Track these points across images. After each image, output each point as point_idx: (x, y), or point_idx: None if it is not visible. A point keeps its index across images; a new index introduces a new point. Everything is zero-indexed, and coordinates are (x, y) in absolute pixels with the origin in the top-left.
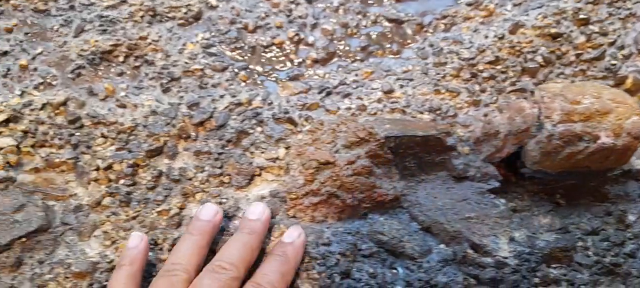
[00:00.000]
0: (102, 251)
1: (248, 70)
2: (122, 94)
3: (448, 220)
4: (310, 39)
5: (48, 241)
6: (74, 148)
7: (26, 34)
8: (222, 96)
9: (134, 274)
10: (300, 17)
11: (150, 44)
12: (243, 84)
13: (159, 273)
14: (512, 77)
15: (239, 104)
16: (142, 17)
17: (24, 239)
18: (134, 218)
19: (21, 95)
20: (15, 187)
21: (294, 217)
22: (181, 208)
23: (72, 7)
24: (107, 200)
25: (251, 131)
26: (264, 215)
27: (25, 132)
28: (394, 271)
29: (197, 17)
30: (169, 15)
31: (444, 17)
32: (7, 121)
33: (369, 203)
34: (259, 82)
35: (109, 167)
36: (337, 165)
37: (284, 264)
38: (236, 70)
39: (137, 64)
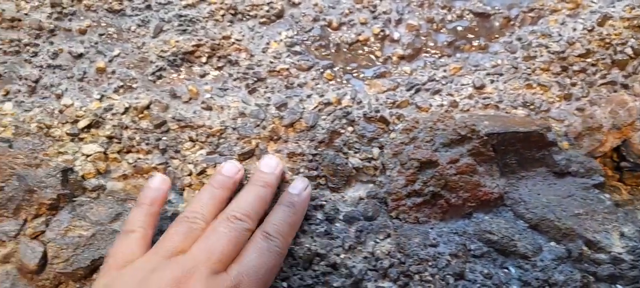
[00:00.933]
0: None
1: (333, 68)
2: (207, 95)
3: (557, 217)
4: (396, 35)
5: None
6: (163, 153)
7: (101, 35)
8: (309, 96)
9: (153, 214)
10: (384, 12)
11: (233, 43)
12: (329, 83)
13: (178, 218)
14: (603, 70)
15: (328, 104)
16: (223, 15)
17: None
18: None
19: (101, 99)
20: (107, 195)
21: (397, 218)
22: None
23: (148, 7)
24: None
25: (342, 131)
26: (278, 168)
27: (110, 138)
28: (506, 271)
29: (279, 15)
30: (251, 13)
31: (531, 10)
32: (89, 127)
33: (473, 202)
34: (345, 80)
35: (202, 172)
36: (440, 164)
37: (292, 215)
38: (321, 69)
39: (220, 64)
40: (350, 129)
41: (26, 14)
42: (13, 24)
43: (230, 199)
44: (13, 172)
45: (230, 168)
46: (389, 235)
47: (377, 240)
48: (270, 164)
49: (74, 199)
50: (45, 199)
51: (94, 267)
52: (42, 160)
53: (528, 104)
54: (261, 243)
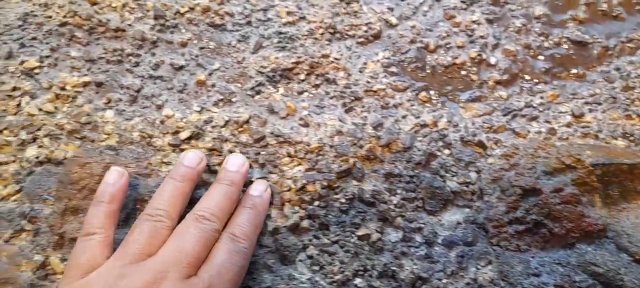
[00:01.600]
0: (312, 276)
1: (429, 90)
2: (304, 112)
3: None
4: (492, 60)
5: (251, 266)
6: (262, 168)
7: (201, 48)
8: (404, 116)
9: (112, 212)
10: (481, 37)
11: (332, 62)
12: (424, 104)
13: (141, 216)
14: None
15: (424, 125)
16: (322, 34)
17: None
18: (335, 242)
19: (200, 112)
20: None
21: (497, 245)
22: (380, 233)
23: (248, 23)
24: (305, 223)
25: (439, 153)
26: (244, 167)
27: (210, 150)
28: None
29: (377, 36)
30: (349, 33)
31: (630, 40)
32: (189, 138)
33: (577, 233)
34: (440, 103)
35: (302, 188)
36: (543, 193)
37: (256, 216)
38: (417, 90)
39: (317, 82)
40: (446, 151)
41: (130, 25)
42: (117, 33)
43: (192, 191)
44: None
45: (193, 158)
46: (490, 262)
47: (479, 267)
48: (236, 163)
49: None
50: None
51: None
52: (152, 169)
53: (628, 135)
54: (229, 244)
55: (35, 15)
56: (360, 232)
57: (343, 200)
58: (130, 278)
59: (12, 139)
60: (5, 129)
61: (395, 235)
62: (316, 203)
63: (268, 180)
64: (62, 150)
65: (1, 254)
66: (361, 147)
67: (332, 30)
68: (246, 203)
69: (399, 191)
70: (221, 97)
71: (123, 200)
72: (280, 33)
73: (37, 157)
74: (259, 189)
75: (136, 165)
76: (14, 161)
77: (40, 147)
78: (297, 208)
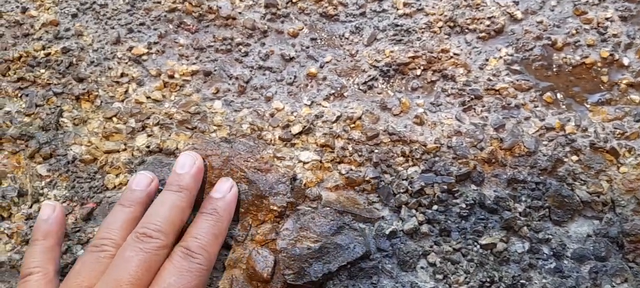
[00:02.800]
0: (435, 285)
1: (554, 91)
2: (419, 110)
3: None
4: (625, 61)
5: (371, 269)
6: (375, 167)
7: (313, 39)
8: (527, 118)
9: (49, 248)
10: (614, 35)
11: (451, 57)
12: (549, 106)
13: (87, 248)
14: None
15: (550, 129)
16: (440, 28)
17: (349, 266)
18: (458, 250)
19: (310, 106)
20: (324, 206)
21: (633, 262)
22: (505, 242)
23: (362, 14)
24: (424, 228)
25: (566, 160)
26: (195, 166)
27: (322, 146)
28: None
29: (500, 31)
30: (470, 27)
31: None
32: (300, 133)
33: None
34: (565, 105)
35: (420, 191)
36: None
37: (216, 224)
38: (541, 90)
39: (434, 78)
40: (574, 157)
41: (240, 13)
42: (227, 21)
43: (142, 214)
44: (244, 176)
45: (141, 180)
46: (626, 280)
47: (614, 284)
48: (185, 163)
49: (298, 208)
50: (275, 206)
51: (323, 282)
52: (272, 165)
53: None
54: (181, 262)
55: (144, 0)
56: (483, 241)
57: (463, 206)
58: None
59: (122, 127)
60: (115, 115)
61: (521, 246)
62: (435, 207)
63: (382, 181)
64: (173, 140)
65: None
66: (482, 149)
67: (451, 24)
68: (206, 209)
69: (523, 198)
70: (332, 91)
71: (60, 233)
72: (396, 25)
73: (147, 146)
74: (221, 190)
75: (256, 160)
76: (124, 149)
77: (149, 135)
78: (414, 211)
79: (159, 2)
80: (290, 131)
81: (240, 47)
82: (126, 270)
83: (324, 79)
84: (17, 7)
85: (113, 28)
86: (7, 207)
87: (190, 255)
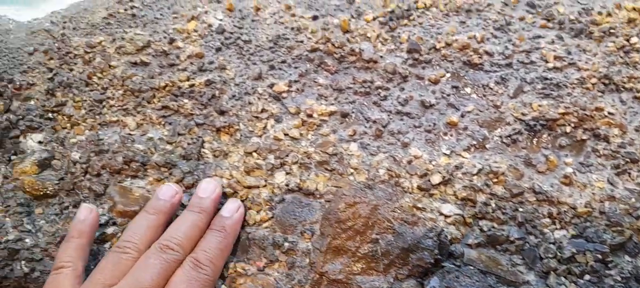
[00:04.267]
0: None
1: None
2: (568, 169)
3: None
4: None
5: None
6: (519, 227)
7: (454, 87)
8: None
9: (82, 246)
10: None
11: (605, 116)
12: None
13: (111, 248)
14: None
15: None
16: (594, 84)
17: None
18: None
19: (449, 155)
20: (466, 264)
21: None
22: None
23: (509, 65)
24: None
25: None
26: (215, 193)
27: (463, 200)
28: None
29: None
30: (627, 85)
31: None
32: (440, 184)
33: None
34: None
35: (570, 258)
36: None
37: (223, 240)
38: None
39: (584, 137)
40: None
41: (382, 57)
42: (368, 64)
43: (168, 224)
44: (390, 226)
45: (167, 191)
46: None
47: None
48: (207, 189)
49: (443, 265)
50: (422, 262)
51: None
52: (419, 218)
53: None
54: (191, 272)
55: (287, 39)
56: None
57: (618, 278)
58: None
59: (262, 163)
60: (255, 151)
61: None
62: (587, 277)
63: (526, 243)
64: (312, 180)
65: (256, 283)
66: (637, 218)
67: (606, 81)
68: (215, 226)
69: None
70: (473, 142)
71: (92, 234)
72: (545, 79)
73: (286, 185)
74: (229, 209)
75: (404, 211)
76: (265, 186)
77: (288, 174)
78: (563, 279)
79: (301, 42)
80: (429, 180)
81: (380, 90)
82: (148, 274)
83: (465, 128)
84: (165, 37)
85: (255, 64)
86: None
87: (199, 266)
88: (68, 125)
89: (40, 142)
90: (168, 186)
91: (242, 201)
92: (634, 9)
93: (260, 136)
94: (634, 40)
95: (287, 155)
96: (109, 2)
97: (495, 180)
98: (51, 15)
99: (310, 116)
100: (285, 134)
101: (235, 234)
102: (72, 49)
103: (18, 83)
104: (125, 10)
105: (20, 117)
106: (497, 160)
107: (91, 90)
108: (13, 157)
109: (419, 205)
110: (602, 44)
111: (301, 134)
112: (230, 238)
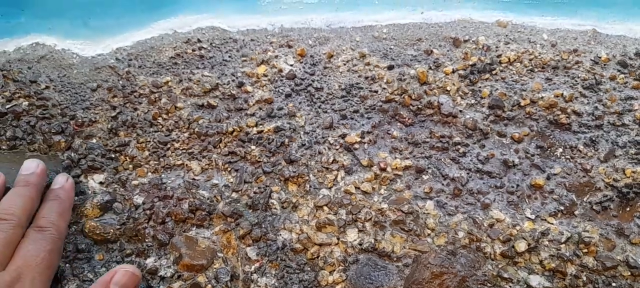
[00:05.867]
0: None
1: None
2: None
3: None
4: None
5: None
6: None
7: (539, 147)
8: None
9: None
10: None
11: None
12: None
13: None
14: None
15: None
16: None
17: None
18: None
19: (534, 220)
20: None
21: None
22: None
23: (599, 126)
24: None
25: None
26: (38, 168)
27: (552, 271)
28: None
29: None
30: None
31: None
32: (526, 251)
33: None
34: None
35: None
36: None
37: (58, 205)
38: None
39: None
40: None
41: (461, 111)
42: (447, 119)
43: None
44: None
45: (29, 165)
46: None
47: None
48: (30, 166)
49: None
50: None
51: None
52: None
53: None
54: (36, 235)
55: (360, 88)
56: None
57: None
58: None
59: (333, 218)
60: (326, 204)
61: None
62: None
63: None
64: (388, 241)
65: None
66: None
67: None
68: (48, 197)
69: None
70: (560, 207)
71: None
72: (638, 143)
73: (360, 244)
74: (59, 182)
75: (489, 284)
76: (337, 244)
77: (361, 231)
78: None
79: (376, 92)
80: (513, 247)
81: (458, 146)
82: None
83: (551, 192)
84: (233, 80)
85: (326, 112)
86: None
87: (42, 229)
88: (130, 166)
89: (101, 183)
90: (29, 160)
91: (312, 259)
92: None
93: (330, 188)
94: None
95: (359, 211)
96: (177, 41)
97: (585, 250)
98: (116, 52)
99: (383, 170)
100: (357, 188)
101: (71, 200)
102: (138, 87)
103: (80, 119)
104: (193, 50)
105: (82, 155)
106: (587, 228)
107: (155, 131)
108: (74, 198)
109: (505, 275)
110: None
111: (373, 188)
112: (67, 203)
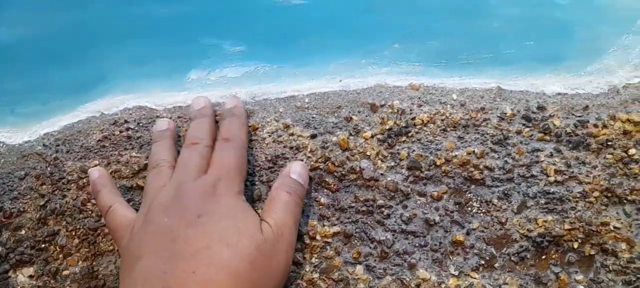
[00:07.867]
0: None
1: None
2: (580, 287)
3: None
4: None
5: None
6: None
7: (457, 204)
8: None
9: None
10: None
11: (611, 231)
12: None
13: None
14: None
15: None
16: (596, 198)
17: None
18: None
19: (458, 276)
20: None
21: None
22: None
23: (510, 179)
24: None
25: None
26: (208, 101)
27: None
28: None
29: None
30: (629, 197)
31: None
32: None
33: None
34: None
35: None
36: None
37: (237, 119)
38: None
39: (592, 252)
40: None
41: (382, 174)
42: (369, 183)
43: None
44: None
45: (161, 123)
46: None
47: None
48: (199, 101)
49: None
50: None
51: None
52: None
53: None
54: (223, 145)
55: (286, 158)
56: None
57: None
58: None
59: None
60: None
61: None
62: None
63: None
64: None
65: None
66: None
67: (608, 194)
68: (225, 116)
69: None
70: (481, 262)
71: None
72: (547, 193)
73: None
74: (231, 102)
75: None
76: None
77: None
78: None
79: (301, 161)
80: None
81: (382, 209)
82: (192, 162)
83: (472, 246)
84: None
85: (254, 185)
86: None
87: (227, 140)
88: (61, 256)
89: (30, 276)
90: (160, 119)
91: None
92: (628, 120)
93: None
94: (632, 151)
95: (291, 284)
96: (104, 123)
97: None
98: (43, 138)
99: (313, 238)
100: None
101: (245, 115)
102: (66, 173)
103: (8, 211)
104: (121, 132)
105: (10, 249)
106: (507, 280)
107: (85, 218)
108: None
109: None
110: (600, 156)
111: (304, 257)
112: (243, 118)
